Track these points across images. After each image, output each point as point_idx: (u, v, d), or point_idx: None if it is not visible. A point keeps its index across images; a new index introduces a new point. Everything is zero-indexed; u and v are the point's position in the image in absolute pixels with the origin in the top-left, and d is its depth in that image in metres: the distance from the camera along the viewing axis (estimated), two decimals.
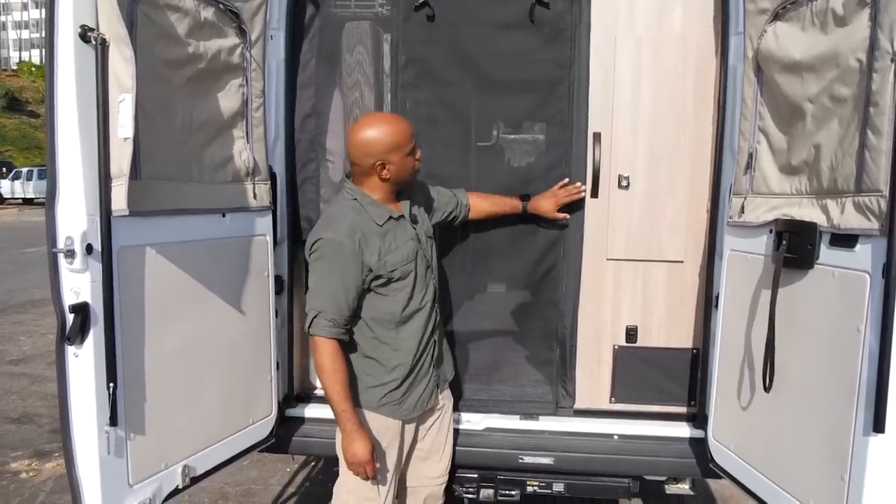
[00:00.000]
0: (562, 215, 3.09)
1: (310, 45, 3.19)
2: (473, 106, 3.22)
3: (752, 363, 2.59)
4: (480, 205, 3.05)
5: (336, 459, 2.75)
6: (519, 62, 3.08)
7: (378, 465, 2.56)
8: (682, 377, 3.18)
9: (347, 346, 2.55)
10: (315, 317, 2.44)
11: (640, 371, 3.21)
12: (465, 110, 3.19)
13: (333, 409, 2.47)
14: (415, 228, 2.65)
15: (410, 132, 2.53)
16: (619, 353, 3.22)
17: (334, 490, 2.73)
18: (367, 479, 2.51)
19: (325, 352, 2.44)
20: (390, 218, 2.55)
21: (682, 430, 3.13)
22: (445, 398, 2.94)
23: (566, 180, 3.08)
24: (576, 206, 3.12)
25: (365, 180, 2.55)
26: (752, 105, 2.63)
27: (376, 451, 2.56)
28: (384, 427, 2.63)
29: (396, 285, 2.55)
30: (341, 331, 2.47)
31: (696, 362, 3.14)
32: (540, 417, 3.24)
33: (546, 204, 3.06)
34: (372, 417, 2.61)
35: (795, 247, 2.30)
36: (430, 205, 2.89)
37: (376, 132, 2.47)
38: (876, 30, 1.97)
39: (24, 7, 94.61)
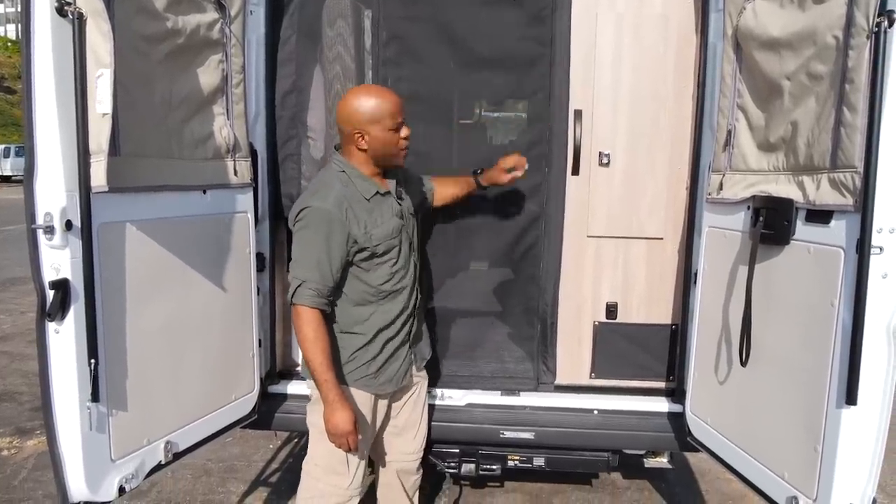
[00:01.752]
0: (512, 175, 2.94)
1: (290, 20, 3.16)
2: (455, 83, 3.22)
3: (729, 338, 2.64)
4: (443, 189, 3.00)
5: None
6: (500, 39, 3.07)
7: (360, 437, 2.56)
8: (661, 353, 3.23)
9: (328, 321, 2.53)
10: (299, 286, 2.40)
11: (619, 347, 3.25)
12: (447, 87, 3.19)
13: (315, 380, 2.43)
14: (400, 205, 2.63)
15: (396, 108, 2.48)
16: (599, 330, 3.25)
17: (303, 465, 2.72)
18: (348, 450, 2.49)
19: (308, 320, 2.40)
20: (377, 193, 2.53)
21: (661, 405, 3.18)
22: (421, 376, 2.94)
23: (501, 161, 2.99)
24: (557, 184, 3.13)
25: (350, 151, 2.53)
26: (731, 82, 2.65)
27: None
28: (357, 402, 2.62)
29: (379, 260, 2.53)
30: (324, 301, 2.44)
31: (675, 338, 3.19)
32: (521, 393, 3.28)
33: (496, 178, 2.98)
34: (347, 392, 2.58)
35: (772, 223, 2.34)
36: (412, 187, 2.87)
37: (360, 101, 2.46)
38: (852, 7, 1.99)
39: None
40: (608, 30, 3.04)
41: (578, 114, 3.08)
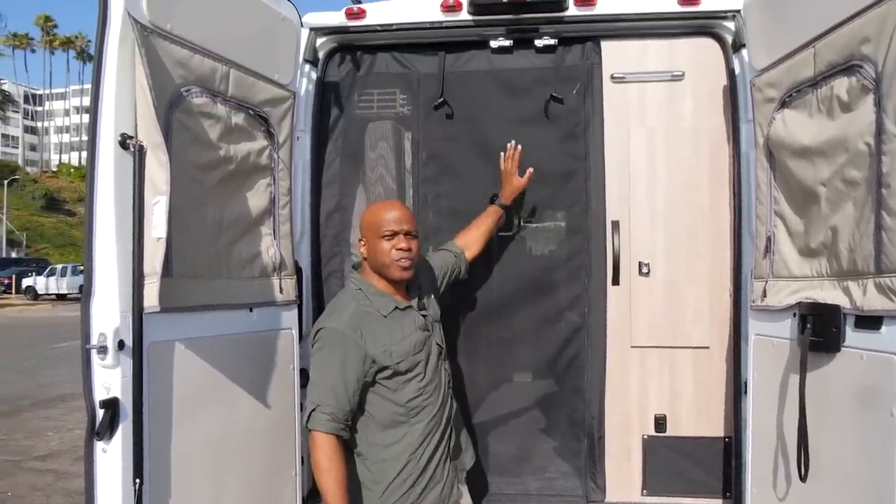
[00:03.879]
0: (528, 175, 3.09)
1: (334, 144, 3.33)
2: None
3: (785, 451, 2.53)
4: (471, 242, 3.03)
5: None
6: (536, 155, 3.17)
7: None
8: (716, 467, 3.09)
9: (354, 453, 2.45)
10: (313, 410, 2.32)
11: (671, 461, 3.13)
12: (486, 202, 3.27)
13: None
14: (424, 317, 2.58)
15: (391, 217, 2.49)
16: (648, 443, 3.15)
17: None
18: None
19: (322, 447, 2.29)
20: (396, 308, 2.50)
21: None
22: (463, 495, 2.75)
23: (501, 155, 3.12)
24: (597, 294, 3.13)
25: (366, 266, 2.58)
26: (766, 189, 2.67)
27: None
28: None
29: (404, 377, 2.45)
30: (340, 426, 2.33)
31: (730, 451, 3.06)
32: None
33: (510, 187, 3.09)
34: None
35: (821, 330, 2.29)
36: (433, 279, 2.83)
37: (365, 210, 2.65)
38: (881, 114, 2.02)
39: (66, 113, 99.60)
40: (640, 143, 3.12)
41: (616, 224, 3.12)
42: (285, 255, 2.98)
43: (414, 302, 2.59)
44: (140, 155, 2.15)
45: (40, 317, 25.50)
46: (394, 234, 2.48)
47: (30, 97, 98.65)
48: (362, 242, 2.57)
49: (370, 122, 3.34)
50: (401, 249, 2.47)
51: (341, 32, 3.27)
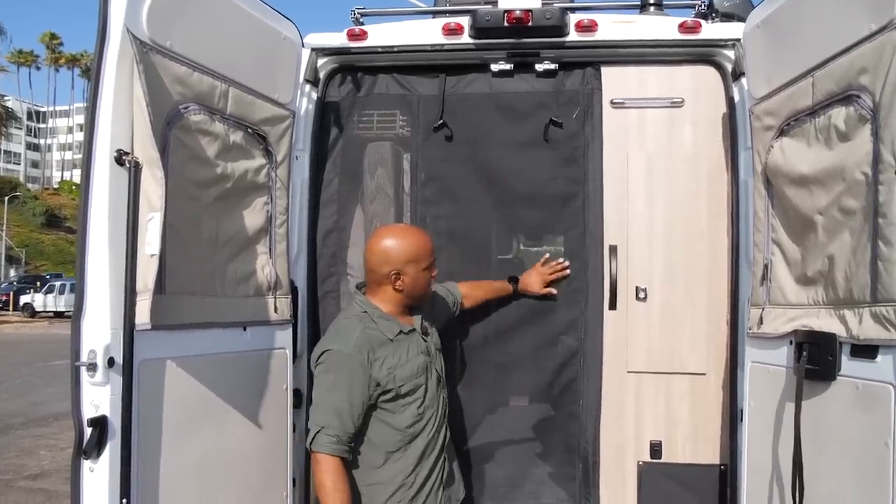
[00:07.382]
0: (548, 290, 3.15)
1: (333, 164, 3.32)
2: (492, 221, 3.31)
3: (781, 480, 2.50)
4: (473, 294, 3.06)
5: None
6: (534, 179, 3.17)
7: None
8: (711, 495, 3.06)
9: (350, 471, 2.43)
10: (318, 432, 2.34)
11: (666, 488, 3.09)
12: (484, 225, 3.28)
13: None
14: (425, 341, 2.60)
15: (431, 248, 2.56)
16: (644, 470, 3.11)
17: None
18: None
19: (327, 469, 2.31)
20: (401, 332, 2.51)
21: None
22: None
23: (546, 255, 3.18)
24: (594, 319, 3.12)
25: (378, 290, 2.54)
26: (764, 217, 2.66)
27: None
28: None
29: (405, 400, 2.46)
30: (345, 448, 2.35)
31: (725, 479, 3.03)
32: None
33: (535, 282, 3.13)
34: None
35: (816, 358, 2.27)
36: (436, 311, 2.85)
37: (398, 241, 2.51)
38: (878, 144, 2.02)
39: (69, 130, 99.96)
40: (639, 168, 3.13)
41: (613, 249, 3.11)
42: (281, 273, 2.96)
43: (417, 326, 2.60)
44: (135, 171, 2.14)
45: (36, 334, 25.43)
46: (433, 263, 2.56)
47: (33, 114, 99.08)
48: (396, 275, 2.47)
49: (369, 142, 3.35)
50: (433, 277, 2.58)
51: (342, 53, 3.28)
